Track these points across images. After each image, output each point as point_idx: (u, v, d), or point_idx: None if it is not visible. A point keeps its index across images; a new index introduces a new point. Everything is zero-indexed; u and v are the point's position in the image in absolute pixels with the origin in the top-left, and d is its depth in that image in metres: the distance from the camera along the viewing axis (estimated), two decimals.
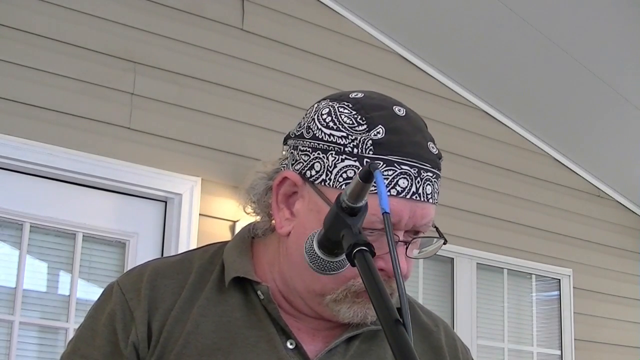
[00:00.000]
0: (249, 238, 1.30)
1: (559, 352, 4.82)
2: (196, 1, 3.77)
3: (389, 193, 1.15)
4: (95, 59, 3.44)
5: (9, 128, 3.21)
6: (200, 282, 1.23)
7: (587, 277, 4.97)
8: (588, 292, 4.96)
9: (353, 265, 1.02)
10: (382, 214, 1.00)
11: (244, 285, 1.22)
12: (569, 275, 4.88)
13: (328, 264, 1.11)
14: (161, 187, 3.49)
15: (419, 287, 4.31)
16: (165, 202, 3.55)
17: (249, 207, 1.29)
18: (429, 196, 1.17)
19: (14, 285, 3.23)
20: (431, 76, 4.51)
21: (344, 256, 1.06)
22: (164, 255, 3.49)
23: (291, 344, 1.19)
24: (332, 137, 1.18)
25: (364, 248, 1.01)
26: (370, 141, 1.16)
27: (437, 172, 1.20)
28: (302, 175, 1.21)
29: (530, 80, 4.52)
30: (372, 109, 1.19)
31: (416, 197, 1.15)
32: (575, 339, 4.83)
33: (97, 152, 3.37)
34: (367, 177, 1.02)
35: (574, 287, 4.89)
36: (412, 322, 1.27)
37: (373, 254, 1.02)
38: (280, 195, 1.24)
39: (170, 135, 3.56)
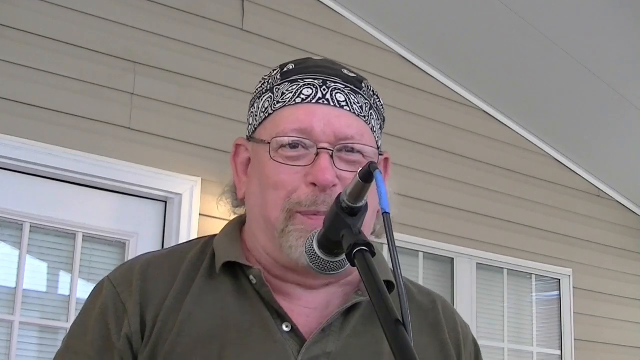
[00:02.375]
0: (238, 225, 1.31)
1: (559, 352, 4.82)
2: (196, 1, 3.76)
3: (293, 102, 1.19)
4: (95, 59, 3.44)
5: (9, 128, 3.21)
6: (191, 272, 1.23)
7: (587, 277, 4.97)
8: (588, 292, 4.96)
9: (353, 265, 1.02)
10: (382, 214, 1.00)
11: (234, 271, 1.22)
12: (569, 275, 4.88)
13: (328, 264, 1.11)
14: (161, 187, 3.48)
15: None
16: (165, 202, 3.55)
17: (225, 198, 1.32)
18: (342, 103, 1.19)
19: (14, 285, 3.23)
20: (431, 76, 4.50)
21: (344, 256, 1.06)
22: None
23: (287, 326, 1.17)
24: (256, 91, 1.26)
25: (364, 248, 1.01)
26: (279, 74, 1.22)
27: (351, 86, 1.21)
28: (247, 137, 1.28)
29: (530, 80, 4.52)
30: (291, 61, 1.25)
31: (323, 101, 1.18)
32: (575, 339, 4.83)
33: (97, 152, 3.37)
34: (367, 177, 1.02)
35: (574, 287, 4.89)
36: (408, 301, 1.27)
37: (373, 254, 1.02)
38: (238, 165, 1.29)
39: (170, 135, 3.56)
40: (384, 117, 1.28)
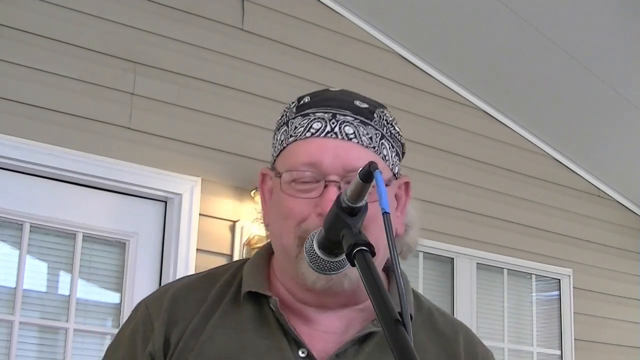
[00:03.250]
0: (267, 252, 1.34)
1: (559, 352, 4.82)
2: (196, 1, 3.76)
3: (304, 137, 1.23)
4: (95, 59, 3.44)
5: (9, 128, 3.21)
6: (220, 297, 1.28)
7: (587, 277, 4.97)
8: (588, 292, 4.96)
9: (353, 265, 1.02)
10: (382, 214, 1.00)
11: (259, 298, 1.26)
12: (569, 275, 4.88)
13: (328, 264, 1.11)
14: (161, 187, 3.48)
15: (419, 287, 4.30)
16: (165, 202, 3.55)
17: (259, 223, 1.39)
18: (351, 136, 1.21)
19: (14, 285, 3.23)
20: (431, 76, 4.50)
21: (344, 256, 1.06)
22: (164, 255, 3.50)
23: (303, 352, 1.21)
24: (277, 123, 1.31)
25: (364, 248, 1.01)
26: (295, 107, 1.27)
27: (361, 117, 1.23)
28: (270, 167, 1.31)
29: (530, 80, 4.52)
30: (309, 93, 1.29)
31: (331, 135, 1.21)
32: (575, 339, 4.83)
33: (97, 152, 3.37)
34: (367, 177, 1.02)
35: (574, 287, 4.89)
36: (429, 328, 1.29)
37: (373, 254, 1.02)
38: (265, 193, 1.32)
39: (170, 135, 3.56)
40: (401, 144, 1.31)
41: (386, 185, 1.15)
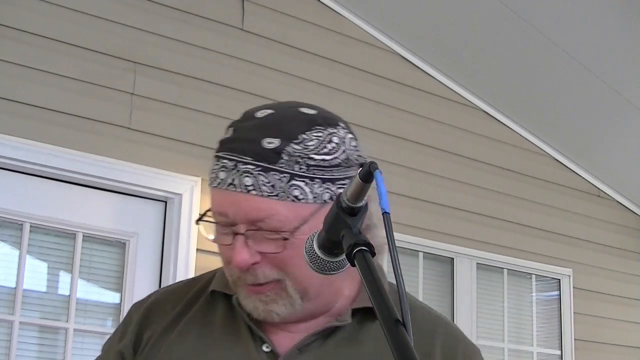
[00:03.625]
0: None
1: (559, 352, 4.82)
2: (196, 1, 3.76)
3: (213, 185, 1.28)
4: (95, 59, 3.44)
5: (9, 128, 3.21)
6: (194, 299, 1.33)
7: (587, 277, 4.97)
8: (588, 292, 4.96)
9: (353, 265, 1.02)
10: (382, 214, 1.00)
11: (230, 296, 1.29)
12: (569, 275, 4.88)
13: (328, 264, 1.11)
14: (161, 187, 3.48)
15: (419, 287, 4.31)
16: (165, 202, 3.55)
17: None
18: (250, 187, 1.21)
19: (14, 285, 3.23)
20: (431, 76, 4.51)
21: (344, 256, 1.06)
22: (164, 255, 3.50)
23: (267, 347, 1.24)
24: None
25: (364, 248, 1.01)
26: (219, 142, 1.30)
27: (264, 164, 1.21)
28: None
29: (530, 80, 4.52)
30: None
31: (232, 187, 1.23)
32: (575, 339, 4.83)
33: (97, 152, 3.37)
34: (367, 177, 1.02)
35: (574, 287, 4.89)
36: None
37: (373, 254, 1.02)
38: None
39: (170, 135, 3.56)
40: (333, 166, 1.24)
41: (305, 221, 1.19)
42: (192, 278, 1.41)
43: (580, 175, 5.09)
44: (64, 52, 3.38)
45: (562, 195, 4.97)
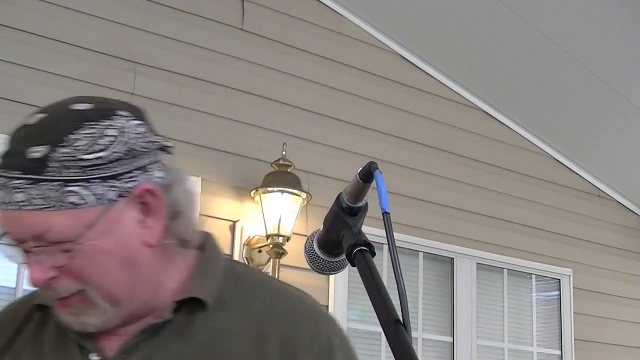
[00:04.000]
0: None
1: (559, 352, 4.81)
2: (196, 1, 3.76)
3: None
4: (95, 59, 3.44)
5: (9, 128, 3.20)
6: (31, 315, 1.30)
7: (587, 277, 4.97)
8: (588, 292, 4.96)
9: (353, 265, 1.02)
10: (382, 214, 1.00)
11: None
12: (569, 275, 4.88)
13: (328, 264, 1.11)
14: None
15: (419, 287, 4.31)
16: None
17: None
18: (22, 203, 1.14)
19: (14, 285, 3.23)
20: (431, 76, 4.51)
21: (343, 256, 1.06)
22: None
23: (96, 355, 1.21)
24: None
25: (364, 248, 1.01)
26: None
27: (31, 175, 1.14)
28: None
29: (530, 80, 4.52)
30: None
31: (8, 206, 1.15)
32: (575, 339, 4.83)
33: None
34: (367, 177, 1.02)
35: (574, 287, 4.89)
36: (246, 307, 1.23)
37: (373, 254, 1.02)
38: None
39: (170, 135, 3.55)
40: (115, 160, 1.19)
41: (104, 210, 1.15)
42: (29, 293, 1.33)
43: (580, 175, 5.09)
44: (64, 52, 3.38)
45: (562, 195, 4.97)
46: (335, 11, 4.19)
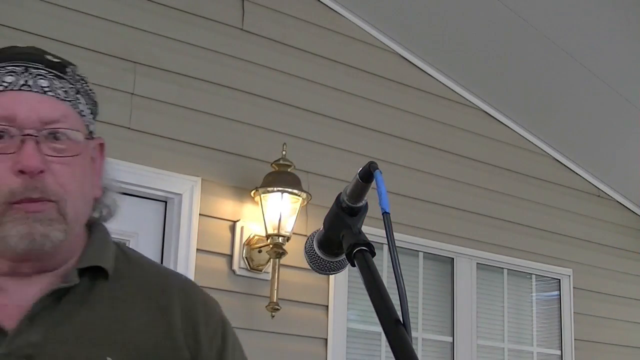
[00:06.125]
0: None
1: (559, 352, 4.82)
2: (196, 1, 3.76)
3: None
4: (95, 59, 3.44)
5: None
6: None
7: (587, 277, 4.97)
8: (588, 292, 4.96)
9: (353, 265, 1.02)
10: (382, 214, 1.00)
11: None
12: (569, 275, 4.88)
13: (328, 264, 1.11)
14: (161, 187, 3.48)
15: (419, 286, 4.31)
16: (165, 202, 3.55)
17: None
18: (46, 89, 1.19)
19: None
20: (431, 76, 4.51)
21: (343, 256, 1.06)
22: (164, 255, 3.49)
23: None
24: None
25: (364, 248, 1.01)
26: None
27: (55, 71, 1.21)
28: None
29: (530, 80, 4.52)
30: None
31: (25, 87, 1.18)
32: (575, 339, 4.83)
33: None
34: (367, 177, 1.02)
35: (574, 287, 4.89)
36: (139, 281, 1.25)
37: (373, 254, 1.02)
38: None
39: (170, 135, 3.56)
40: (94, 102, 1.28)
41: (87, 139, 1.20)
42: None
43: (580, 175, 5.09)
44: (63, 52, 3.36)
45: (562, 195, 4.97)
46: (335, 11, 4.19)
